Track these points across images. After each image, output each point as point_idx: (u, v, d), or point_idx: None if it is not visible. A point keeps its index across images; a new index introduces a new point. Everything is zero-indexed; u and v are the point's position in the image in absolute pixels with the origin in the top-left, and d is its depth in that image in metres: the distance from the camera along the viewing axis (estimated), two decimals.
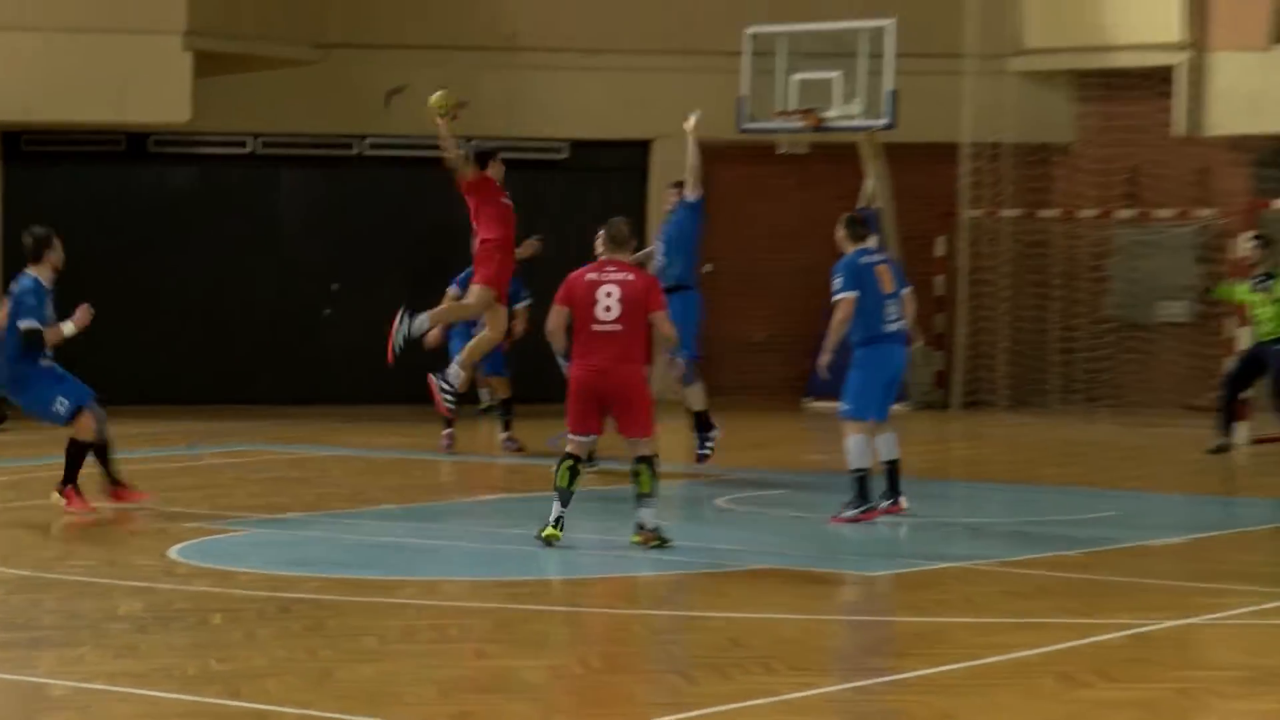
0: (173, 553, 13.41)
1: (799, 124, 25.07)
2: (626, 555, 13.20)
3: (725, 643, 10.72)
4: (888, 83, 24.55)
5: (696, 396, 18.01)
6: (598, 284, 13.52)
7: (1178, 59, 25.84)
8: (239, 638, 10.54)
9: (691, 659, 10.41)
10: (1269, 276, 20.71)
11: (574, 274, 13.75)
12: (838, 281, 15.06)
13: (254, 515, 15.47)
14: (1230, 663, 10.16)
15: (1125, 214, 26.42)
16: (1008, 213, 26.73)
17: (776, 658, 10.13)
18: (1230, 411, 21.05)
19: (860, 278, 15.00)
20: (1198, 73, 25.80)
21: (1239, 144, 25.98)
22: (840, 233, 15.36)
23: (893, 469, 15.36)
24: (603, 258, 13.91)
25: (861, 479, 15.03)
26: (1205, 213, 26.07)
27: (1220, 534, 15.29)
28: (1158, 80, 26.04)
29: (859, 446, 15.03)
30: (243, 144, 26.44)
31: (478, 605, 11.87)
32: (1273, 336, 20.70)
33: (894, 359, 15.23)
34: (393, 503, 16.56)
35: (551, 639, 10.74)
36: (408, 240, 26.39)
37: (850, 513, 15.01)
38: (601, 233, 14.32)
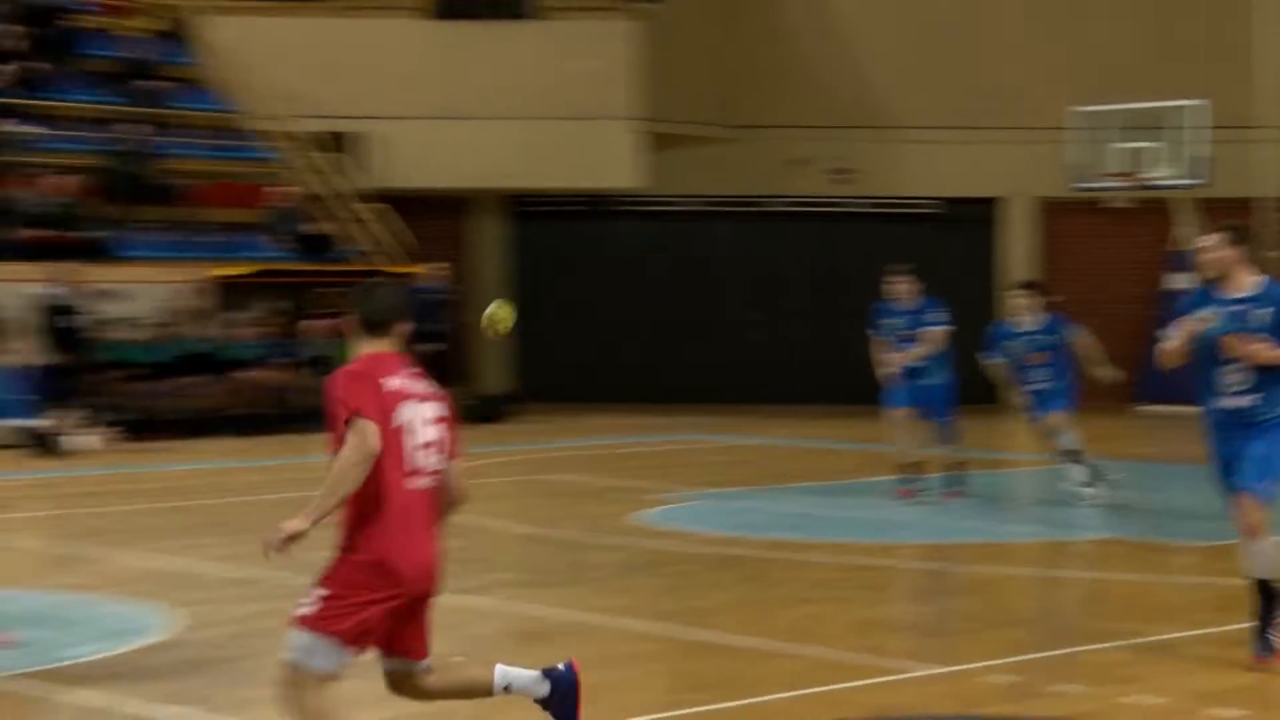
0: (634, 517, 14.07)
1: (1121, 183, 25.11)
2: None
3: None
4: (1199, 150, 24.26)
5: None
6: None
7: None
8: (694, 584, 11.08)
9: None
10: None
11: None
12: None
13: (700, 489, 16.01)
14: None
15: None
16: None
17: None
18: None
19: None
20: None
21: None
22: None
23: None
24: None
25: None
26: None
27: None
28: None
29: None
30: (683, 203, 28.07)
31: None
32: None
33: None
34: (806, 480, 16.82)
35: None
36: (814, 279, 27.97)
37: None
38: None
